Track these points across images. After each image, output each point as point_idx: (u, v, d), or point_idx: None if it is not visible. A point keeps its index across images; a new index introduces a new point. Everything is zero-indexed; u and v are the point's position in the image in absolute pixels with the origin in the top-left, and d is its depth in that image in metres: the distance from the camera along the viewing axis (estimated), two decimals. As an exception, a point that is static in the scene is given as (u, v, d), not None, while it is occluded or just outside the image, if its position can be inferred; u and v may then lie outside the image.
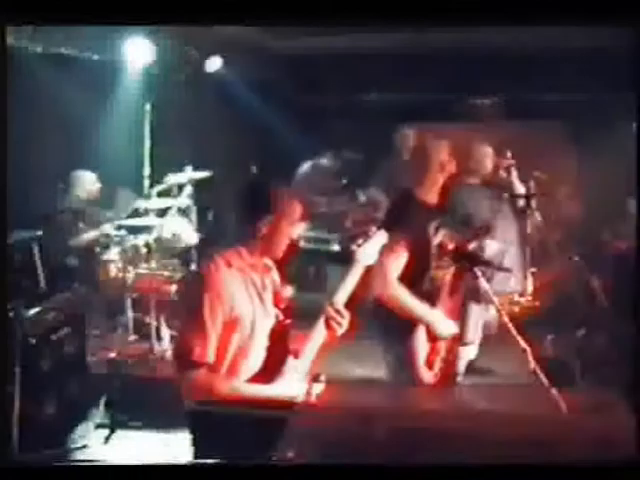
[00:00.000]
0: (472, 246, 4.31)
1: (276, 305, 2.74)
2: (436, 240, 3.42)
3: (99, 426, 4.36)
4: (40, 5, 2.66)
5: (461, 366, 4.85)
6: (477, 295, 4.59)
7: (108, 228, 5.89)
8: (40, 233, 5.06)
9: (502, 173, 5.57)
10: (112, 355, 5.08)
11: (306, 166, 7.44)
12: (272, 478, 1.72)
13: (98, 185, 6.09)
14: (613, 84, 6.16)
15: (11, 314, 3.79)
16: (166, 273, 5.50)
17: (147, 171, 5.50)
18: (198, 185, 6.21)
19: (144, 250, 5.64)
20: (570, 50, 7.02)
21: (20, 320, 3.87)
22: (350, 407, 2.37)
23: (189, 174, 6.08)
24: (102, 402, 4.47)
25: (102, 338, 5.38)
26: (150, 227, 5.66)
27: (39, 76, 5.38)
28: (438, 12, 2.78)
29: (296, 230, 2.69)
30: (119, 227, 5.92)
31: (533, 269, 6.91)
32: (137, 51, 5.88)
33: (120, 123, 6.25)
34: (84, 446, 4.17)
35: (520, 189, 5.53)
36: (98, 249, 5.80)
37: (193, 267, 6.02)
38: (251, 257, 2.65)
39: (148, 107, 5.48)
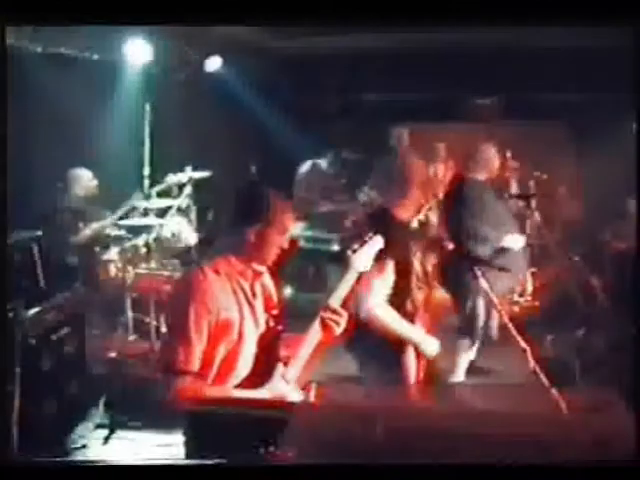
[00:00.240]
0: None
1: (267, 311, 2.71)
2: (417, 260, 3.42)
3: (99, 426, 4.36)
4: (40, 5, 2.66)
5: (463, 364, 4.88)
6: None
7: (108, 228, 5.90)
8: (40, 233, 5.05)
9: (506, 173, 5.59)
10: (112, 355, 5.07)
11: (305, 166, 7.44)
12: (272, 478, 1.72)
13: (95, 182, 6.08)
14: (613, 84, 6.15)
15: (11, 314, 3.79)
16: (166, 273, 5.49)
17: (147, 171, 5.50)
18: (198, 185, 6.21)
19: (144, 250, 5.64)
20: (570, 50, 7.02)
21: (20, 320, 3.87)
22: (349, 407, 2.36)
23: (189, 174, 6.08)
24: (102, 402, 4.47)
25: (102, 338, 5.37)
26: (150, 227, 5.66)
27: (39, 76, 5.38)
28: (438, 12, 2.78)
29: (286, 240, 2.65)
30: (119, 227, 5.92)
31: (533, 269, 6.93)
32: (137, 51, 5.87)
33: (120, 123, 6.24)
34: (84, 446, 4.17)
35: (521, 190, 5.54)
36: (98, 249, 5.80)
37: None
38: (240, 264, 2.61)
39: (148, 107, 5.47)
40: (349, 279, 2.78)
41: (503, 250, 4.76)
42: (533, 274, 6.92)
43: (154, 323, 5.24)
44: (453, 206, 4.94)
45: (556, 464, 1.64)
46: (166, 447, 4.13)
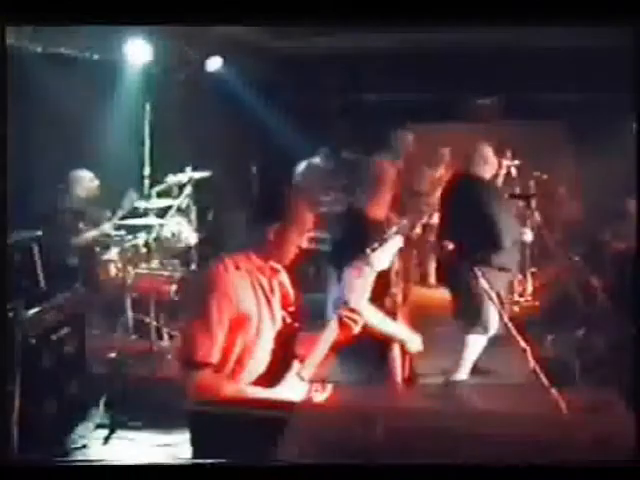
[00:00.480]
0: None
1: (284, 309, 2.72)
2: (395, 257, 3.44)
3: (99, 426, 4.36)
4: (40, 5, 2.66)
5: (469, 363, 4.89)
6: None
7: (108, 228, 5.90)
8: (40, 233, 5.05)
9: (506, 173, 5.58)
10: (112, 355, 5.08)
11: (304, 166, 7.45)
12: (272, 478, 1.72)
13: (96, 183, 6.09)
14: (613, 84, 6.16)
15: (11, 314, 3.79)
16: (166, 273, 5.50)
17: (147, 171, 5.50)
18: (198, 185, 6.21)
19: (144, 250, 5.64)
20: (570, 50, 7.02)
21: (20, 320, 3.87)
22: (350, 407, 2.37)
23: (189, 174, 6.08)
24: (102, 402, 4.47)
25: (102, 338, 5.37)
26: (150, 227, 5.67)
27: (39, 76, 5.38)
28: (438, 12, 2.78)
29: (305, 239, 2.67)
30: (119, 227, 5.93)
31: (533, 269, 6.94)
32: (137, 51, 5.87)
33: (120, 123, 6.24)
34: (84, 446, 4.17)
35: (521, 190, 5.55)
36: (98, 249, 5.81)
37: (193, 267, 6.02)
38: (259, 261, 2.64)
39: (148, 107, 5.48)
40: (368, 278, 2.79)
41: (503, 249, 4.75)
42: (533, 274, 6.93)
43: (154, 323, 5.24)
44: (452, 204, 4.94)
45: (556, 464, 1.64)
46: (166, 447, 4.14)
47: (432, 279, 7.35)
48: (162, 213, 5.97)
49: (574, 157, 8.20)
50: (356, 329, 2.71)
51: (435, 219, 5.35)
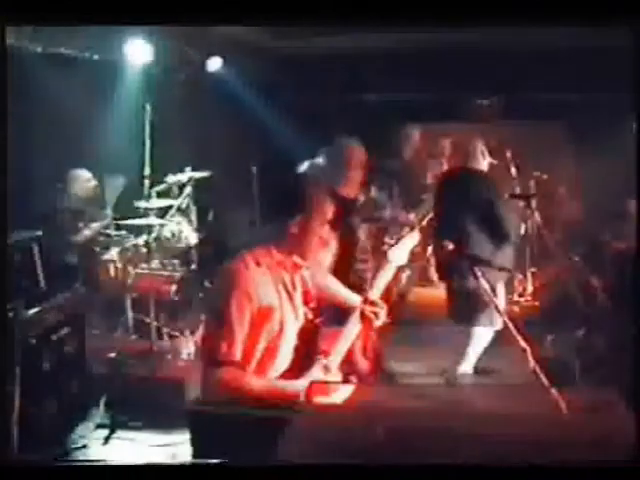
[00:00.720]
0: None
1: (305, 304, 2.71)
2: (361, 234, 3.68)
3: (99, 426, 4.36)
4: (40, 5, 2.66)
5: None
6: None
7: (108, 228, 5.90)
8: (40, 233, 5.06)
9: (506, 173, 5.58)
10: (112, 355, 5.07)
11: (304, 166, 7.43)
12: (272, 478, 1.72)
13: (93, 182, 6.09)
14: (613, 84, 6.15)
15: (11, 314, 3.79)
16: (166, 273, 5.50)
17: (147, 171, 5.50)
18: (198, 185, 6.21)
19: (144, 250, 5.64)
20: (570, 50, 7.02)
21: (20, 320, 3.87)
22: (350, 407, 2.37)
23: (189, 174, 6.08)
24: (102, 402, 4.47)
25: (102, 338, 5.38)
26: (150, 227, 5.67)
27: (39, 76, 5.38)
28: (438, 12, 2.78)
29: (326, 230, 2.66)
30: (119, 227, 5.93)
31: (533, 269, 6.94)
32: (137, 51, 5.87)
33: (120, 123, 6.24)
34: (84, 446, 4.17)
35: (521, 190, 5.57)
36: (98, 249, 5.81)
37: (193, 267, 6.02)
38: (280, 255, 2.63)
39: (148, 107, 5.47)
40: (387, 274, 2.82)
41: (510, 243, 4.76)
42: (533, 274, 6.92)
43: (154, 323, 5.24)
44: (452, 200, 4.94)
45: (556, 464, 1.64)
46: (166, 447, 4.14)
47: (433, 277, 7.35)
48: (162, 213, 5.97)
49: (574, 157, 8.20)
50: (377, 322, 2.74)
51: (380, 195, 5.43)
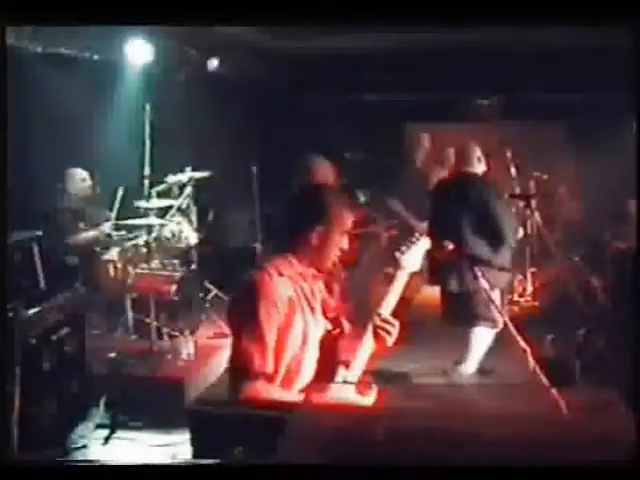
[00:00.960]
0: None
1: (326, 314, 2.69)
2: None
3: (99, 426, 4.36)
4: (40, 5, 2.65)
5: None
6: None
7: (108, 228, 5.90)
8: (40, 233, 5.06)
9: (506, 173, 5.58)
10: (112, 355, 5.08)
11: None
12: (272, 478, 1.72)
13: (88, 181, 6.09)
14: (613, 84, 6.16)
15: (11, 314, 3.79)
16: (166, 273, 5.50)
17: (147, 171, 5.50)
18: (198, 185, 6.21)
19: (144, 250, 5.64)
20: (570, 50, 7.03)
21: (20, 320, 3.87)
22: (350, 407, 2.37)
23: (189, 174, 6.08)
24: (102, 402, 4.47)
25: (102, 338, 5.38)
26: (150, 227, 5.67)
27: (39, 76, 5.38)
28: (438, 12, 2.77)
29: (346, 240, 2.63)
30: (119, 227, 5.93)
31: (533, 269, 6.94)
32: (137, 51, 5.88)
33: (120, 123, 6.25)
34: (84, 446, 4.18)
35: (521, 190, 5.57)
36: (98, 249, 5.81)
37: (193, 267, 6.01)
38: (301, 266, 2.60)
39: (148, 107, 5.47)
40: (400, 281, 2.72)
41: (508, 246, 4.76)
42: (533, 274, 6.93)
43: (154, 323, 5.25)
44: (450, 203, 4.94)
45: (556, 464, 1.64)
46: (166, 447, 4.14)
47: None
48: (162, 213, 5.97)
49: (574, 157, 8.20)
50: (390, 341, 2.62)
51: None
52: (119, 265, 5.59)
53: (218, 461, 2.14)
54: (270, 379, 2.48)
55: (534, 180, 7.16)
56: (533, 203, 5.80)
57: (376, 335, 2.62)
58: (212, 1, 2.76)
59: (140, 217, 5.75)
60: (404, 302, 2.78)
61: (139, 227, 5.77)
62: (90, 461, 3.97)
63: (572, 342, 5.06)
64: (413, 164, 6.94)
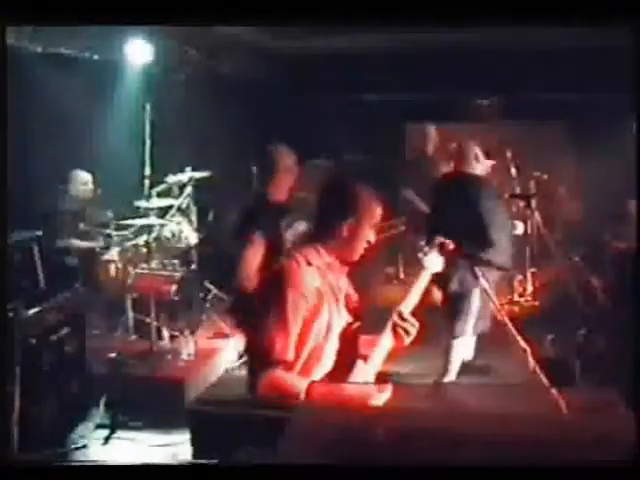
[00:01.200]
0: None
1: (348, 307, 2.70)
2: (288, 236, 3.86)
3: (99, 426, 4.36)
4: (40, 5, 2.66)
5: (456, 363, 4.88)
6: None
7: (108, 228, 5.90)
8: (40, 233, 5.06)
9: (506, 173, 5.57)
10: (112, 355, 5.08)
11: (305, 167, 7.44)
12: (272, 478, 1.72)
13: (90, 183, 6.09)
14: (613, 84, 6.16)
15: (11, 314, 3.79)
16: (166, 273, 5.50)
17: (147, 171, 5.50)
18: (198, 185, 6.21)
19: (144, 250, 5.64)
20: (570, 50, 7.03)
21: (20, 320, 3.87)
22: (350, 407, 2.36)
23: (189, 174, 6.08)
24: (102, 402, 4.47)
25: (102, 338, 5.38)
26: (150, 227, 5.67)
27: (39, 76, 5.38)
28: (438, 12, 2.78)
29: (374, 233, 2.65)
30: (119, 227, 5.93)
31: (533, 269, 6.94)
32: (137, 51, 5.88)
33: (120, 123, 6.25)
34: (84, 446, 4.17)
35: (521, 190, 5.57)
36: (98, 249, 5.81)
37: (193, 267, 6.01)
38: (329, 257, 2.62)
39: (148, 107, 5.47)
40: (422, 281, 2.73)
41: (492, 244, 4.74)
42: (533, 274, 6.92)
43: (154, 323, 5.25)
44: (445, 202, 4.94)
45: (556, 464, 1.64)
46: (166, 447, 4.14)
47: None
48: (162, 213, 5.97)
49: (574, 157, 8.20)
50: (407, 340, 2.62)
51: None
52: (119, 265, 5.59)
53: (218, 461, 2.14)
54: (290, 367, 2.49)
55: (534, 180, 7.16)
56: (533, 203, 5.79)
57: (395, 333, 2.62)
58: (212, 1, 2.76)
59: (140, 217, 5.75)
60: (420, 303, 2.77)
61: (139, 227, 5.77)
62: (90, 461, 3.97)
63: (572, 342, 5.06)
64: (424, 156, 6.93)
